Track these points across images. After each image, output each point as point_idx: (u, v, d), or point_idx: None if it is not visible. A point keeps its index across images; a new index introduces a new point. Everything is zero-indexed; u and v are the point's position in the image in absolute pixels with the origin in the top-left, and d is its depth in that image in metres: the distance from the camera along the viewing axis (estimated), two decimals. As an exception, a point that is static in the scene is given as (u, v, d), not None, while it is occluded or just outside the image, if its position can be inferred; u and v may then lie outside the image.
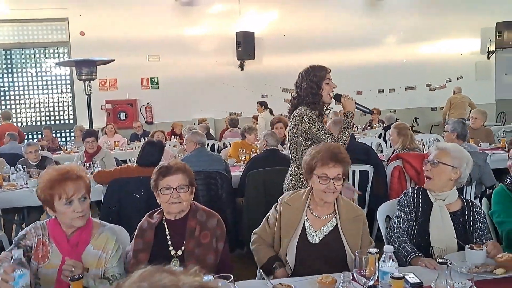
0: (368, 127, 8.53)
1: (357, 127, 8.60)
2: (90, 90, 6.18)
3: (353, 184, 3.69)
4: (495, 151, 4.81)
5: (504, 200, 2.40)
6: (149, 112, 9.45)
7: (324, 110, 2.85)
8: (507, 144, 4.28)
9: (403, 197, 2.32)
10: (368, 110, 2.91)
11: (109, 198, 3.59)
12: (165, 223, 2.05)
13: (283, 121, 5.07)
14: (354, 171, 3.69)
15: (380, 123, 8.37)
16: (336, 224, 2.08)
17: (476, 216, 2.19)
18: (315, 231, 2.08)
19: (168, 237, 2.02)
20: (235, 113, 9.60)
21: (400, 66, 10.11)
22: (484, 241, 2.08)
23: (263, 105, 8.31)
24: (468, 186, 3.81)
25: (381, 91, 10.12)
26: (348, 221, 2.08)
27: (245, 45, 9.04)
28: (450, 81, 10.21)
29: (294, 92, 2.82)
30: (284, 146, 5.10)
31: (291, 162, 2.85)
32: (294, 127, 2.73)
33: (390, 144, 5.51)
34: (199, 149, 4.05)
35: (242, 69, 9.58)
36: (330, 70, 2.79)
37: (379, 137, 7.36)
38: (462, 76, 10.24)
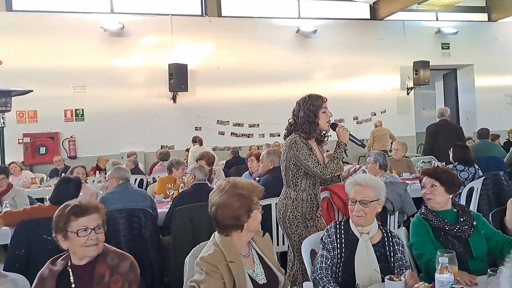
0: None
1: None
2: (3, 122, 5.65)
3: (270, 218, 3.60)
4: (415, 180, 5.04)
5: (421, 231, 2.42)
6: (73, 145, 8.89)
7: (322, 137, 2.93)
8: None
9: (326, 233, 2.25)
10: (360, 143, 2.96)
11: (16, 241, 3.22)
12: (70, 269, 1.83)
13: (207, 157, 4.95)
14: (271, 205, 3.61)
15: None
16: (257, 252, 2.03)
17: (396, 247, 2.20)
18: (254, 271, 1.97)
19: (73, 285, 1.80)
20: (167, 146, 9.34)
21: (329, 100, 10.52)
22: (404, 271, 2.09)
23: (195, 141, 8.21)
24: (391, 216, 3.93)
25: (312, 124, 10.41)
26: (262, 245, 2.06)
27: (178, 77, 8.93)
28: (375, 114, 10.81)
29: (291, 119, 2.90)
30: (213, 181, 4.99)
31: (284, 184, 2.92)
32: (284, 153, 2.85)
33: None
34: (122, 185, 3.80)
35: (174, 101, 9.42)
36: (327, 100, 2.87)
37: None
38: (385, 110, 10.90)
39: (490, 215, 2.79)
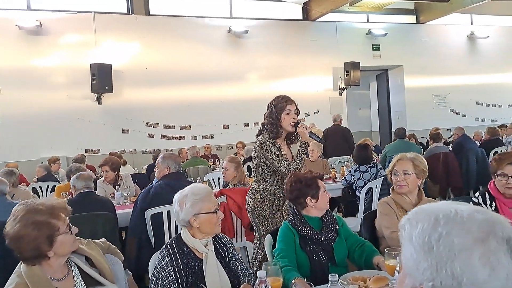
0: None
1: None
2: None
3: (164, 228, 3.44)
4: (326, 181, 5.06)
5: (287, 238, 2.32)
6: (-14, 151, 8.26)
7: (293, 137, 3.09)
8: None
9: (158, 267, 1.96)
10: (319, 139, 3.07)
11: None
12: None
13: (111, 162, 4.68)
14: (168, 212, 3.44)
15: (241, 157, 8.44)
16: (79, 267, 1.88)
17: (232, 252, 2.13)
18: None
19: None
20: (92, 150, 8.92)
21: (263, 100, 10.35)
22: (249, 278, 2.01)
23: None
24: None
25: (246, 125, 10.34)
26: None
27: (101, 78, 8.53)
28: (308, 115, 10.90)
29: (264, 119, 3.08)
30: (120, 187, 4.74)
31: (254, 179, 3.15)
32: (255, 152, 3.04)
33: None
34: (-3, 197, 3.49)
35: (99, 103, 8.99)
36: (293, 102, 2.98)
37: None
38: (318, 111, 11.02)
39: (361, 218, 2.76)
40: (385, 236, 2.34)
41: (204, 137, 9.90)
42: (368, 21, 11.82)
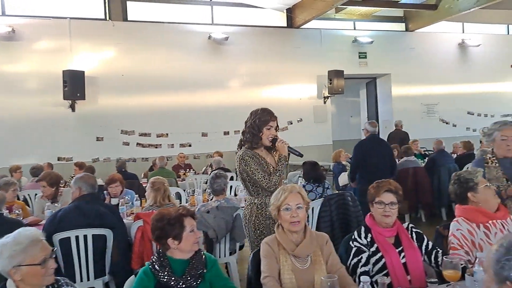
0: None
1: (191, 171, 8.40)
2: None
3: (81, 251, 3.23)
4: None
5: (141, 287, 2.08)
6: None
7: (273, 151, 3.04)
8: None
9: None
10: (298, 154, 2.98)
11: None
12: None
13: (49, 177, 4.48)
14: (85, 236, 3.25)
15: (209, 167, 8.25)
16: None
17: None
18: None
19: None
20: (64, 158, 8.79)
21: (244, 108, 10.12)
22: None
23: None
24: (216, 244, 3.66)
25: (226, 133, 10.16)
26: None
27: (73, 84, 8.39)
28: (291, 123, 10.68)
29: (244, 127, 3.05)
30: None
31: (246, 193, 3.11)
32: (237, 166, 3.00)
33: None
34: None
35: (73, 110, 8.86)
36: (276, 118, 3.00)
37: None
38: (301, 119, 10.79)
39: (250, 255, 2.48)
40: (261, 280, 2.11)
41: (182, 145, 9.72)
42: (354, 28, 11.59)
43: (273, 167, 2.96)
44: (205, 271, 2.06)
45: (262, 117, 2.96)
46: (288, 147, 2.95)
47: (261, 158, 2.98)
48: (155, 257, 2.07)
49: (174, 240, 1.99)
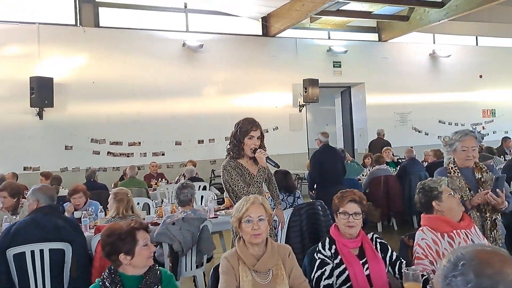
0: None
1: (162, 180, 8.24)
2: None
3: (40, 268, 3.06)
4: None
5: None
6: None
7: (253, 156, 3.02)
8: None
9: None
10: (274, 164, 2.99)
11: None
12: None
13: (9, 188, 4.29)
14: (41, 251, 3.07)
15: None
16: None
17: None
18: None
19: None
20: (31, 167, 8.48)
21: (220, 116, 10.11)
22: None
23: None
24: (182, 256, 3.54)
25: (200, 141, 10.04)
26: None
27: (41, 91, 8.14)
28: (267, 131, 10.61)
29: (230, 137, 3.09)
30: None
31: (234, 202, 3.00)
32: (221, 176, 3.06)
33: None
34: None
35: (41, 118, 8.58)
36: (258, 128, 3.01)
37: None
38: (277, 127, 10.77)
39: (212, 270, 2.39)
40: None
41: (155, 154, 9.54)
42: (329, 38, 11.70)
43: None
44: (159, 287, 1.96)
45: (243, 127, 2.99)
46: (267, 158, 2.97)
47: (244, 168, 2.99)
48: (106, 273, 1.96)
49: (126, 255, 1.89)
